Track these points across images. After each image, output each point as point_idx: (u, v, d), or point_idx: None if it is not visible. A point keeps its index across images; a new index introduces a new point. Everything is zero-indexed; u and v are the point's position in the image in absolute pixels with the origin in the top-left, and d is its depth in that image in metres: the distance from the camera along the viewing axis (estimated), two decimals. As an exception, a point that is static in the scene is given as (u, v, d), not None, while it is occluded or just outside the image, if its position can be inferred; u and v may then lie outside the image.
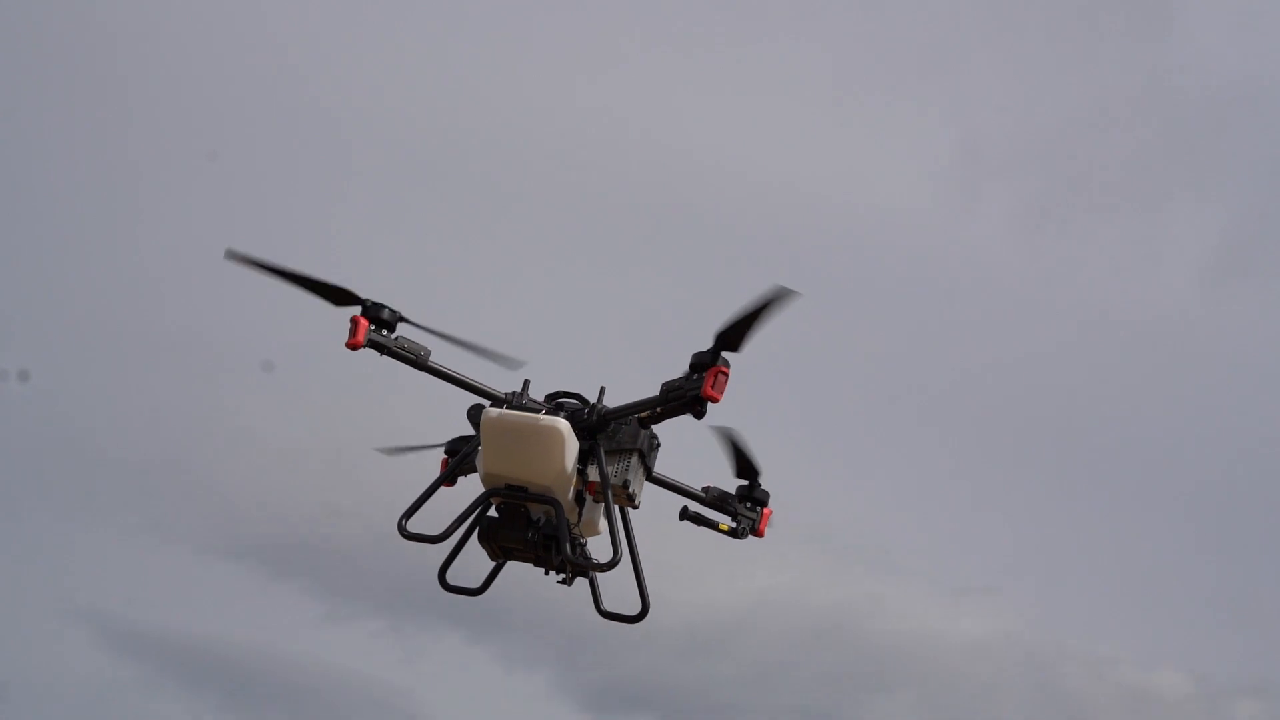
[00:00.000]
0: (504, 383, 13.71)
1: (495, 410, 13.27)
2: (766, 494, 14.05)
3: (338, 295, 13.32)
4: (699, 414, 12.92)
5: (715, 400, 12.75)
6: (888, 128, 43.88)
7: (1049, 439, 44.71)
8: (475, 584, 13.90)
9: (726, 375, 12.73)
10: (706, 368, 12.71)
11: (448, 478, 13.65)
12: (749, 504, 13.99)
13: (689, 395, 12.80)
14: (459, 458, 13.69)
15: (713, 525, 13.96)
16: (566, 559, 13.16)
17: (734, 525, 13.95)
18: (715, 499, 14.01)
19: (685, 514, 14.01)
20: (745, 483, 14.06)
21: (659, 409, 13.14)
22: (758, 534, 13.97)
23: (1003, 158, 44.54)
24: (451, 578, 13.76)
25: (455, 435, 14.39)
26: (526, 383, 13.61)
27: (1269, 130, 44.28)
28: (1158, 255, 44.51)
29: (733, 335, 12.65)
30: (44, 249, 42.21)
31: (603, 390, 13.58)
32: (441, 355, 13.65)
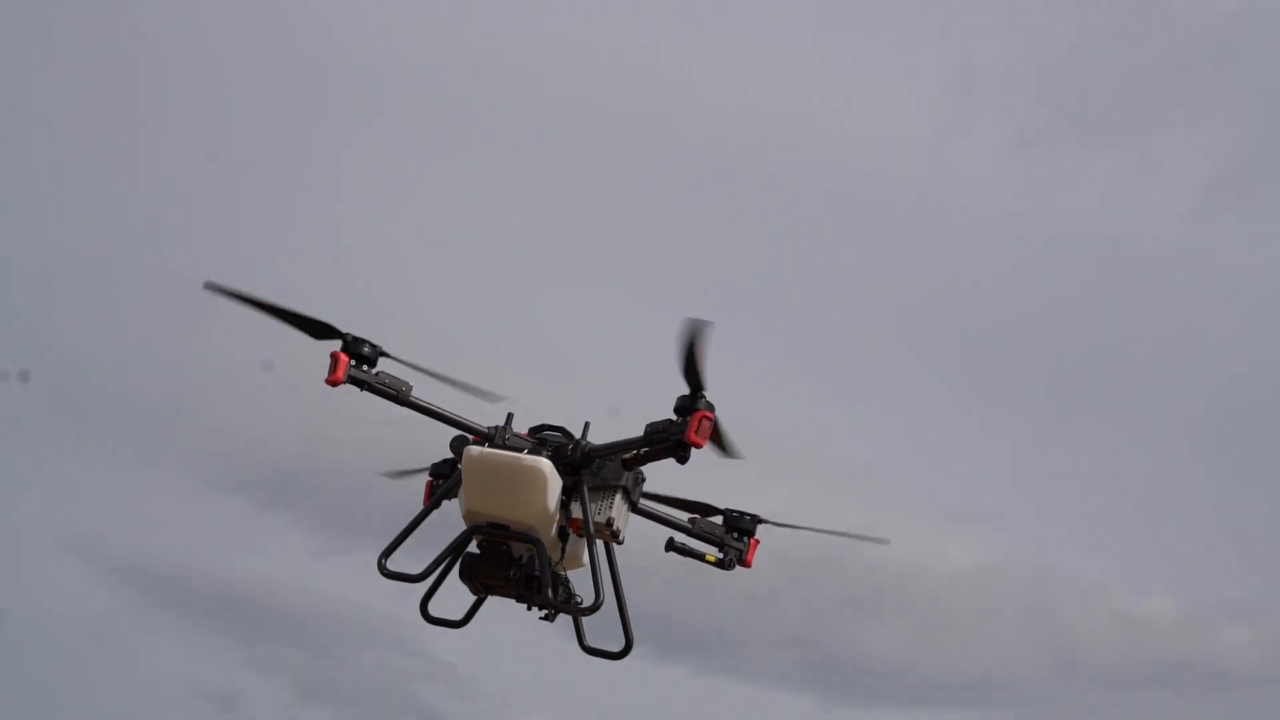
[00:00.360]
0: (487, 416, 13.54)
1: (477, 449, 13.03)
2: (755, 524, 13.87)
3: (318, 329, 13.12)
4: (683, 459, 12.70)
5: (699, 446, 12.54)
6: (883, 54, 43.30)
7: (1042, 366, 44.60)
8: (457, 614, 13.84)
9: (711, 420, 12.50)
10: (689, 411, 12.51)
11: (428, 513, 13.44)
12: (736, 534, 13.81)
13: (673, 440, 12.59)
14: (439, 494, 13.48)
15: (699, 556, 13.79)
16: (548, 603, 13.02)
17: (721, 556, 13.79)
18: (702, 531, 13.83)
19: (671, 545, 13.83)
20: (729, 513, 13.91)
21: (642, 451, 12.93)
22: (745, 564, 13.82)
23: (997, 84, 43.99)
24: (433, 609, 13.68)
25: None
26: (510, 416, 13.38)
27: (1264, 60, 43.72)
28: (1151, 182, 44.14)
29: (689, 377, 12.44)
30: (41, 184, 41.82)
31: (587, 425, 13.36)
32: (424, 390, 13.46)
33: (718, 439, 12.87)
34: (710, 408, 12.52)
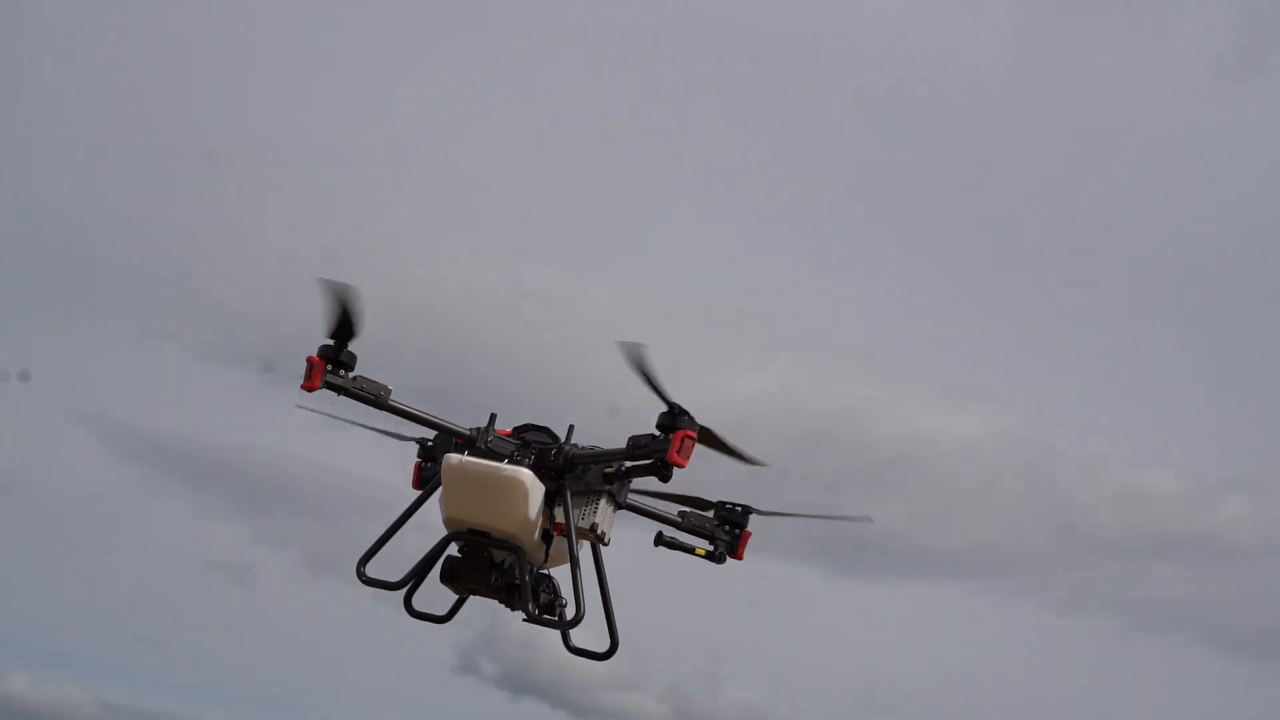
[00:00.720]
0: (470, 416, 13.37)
1: (456, 457, 12.77)
2: (746, 515, 13.69)
3: (344, 333, 12.61)
4: (664, 478, 12.48)
5: (681, 466, 12.31)
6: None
7: (1045, 242, 44.15)
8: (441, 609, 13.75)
9: (694, 440, 12.26)
10: (672, 429, 12.27)
11: (406, 519, 13.24)
12: (727, 527, 13.64)
13: (655, 458, 12.37)
14: (418, 499, 13.25)
15: (689, 550, 13.62)
16: (528, 615, 12.89)
17: (711, 549, 13.62)
18: (692, 524, 13.67)
19: (660, 540, 13.63)
20: (719, 505, 13.73)
21: (624, 466, 12.73)
22: (736, 557, 13.68)
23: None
24: (418, 603, 13.57)
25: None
26: (493, 417, 13.15)
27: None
28: (1163, 58, 43.23)
29: (710, 442, 12.37)
30: (41, 50, 41.04)
31: (571, 428, 13.12)
32: (402, 393, 13.24)
33: (726, 448, 12.58)
34: (693, 426, 12.29)
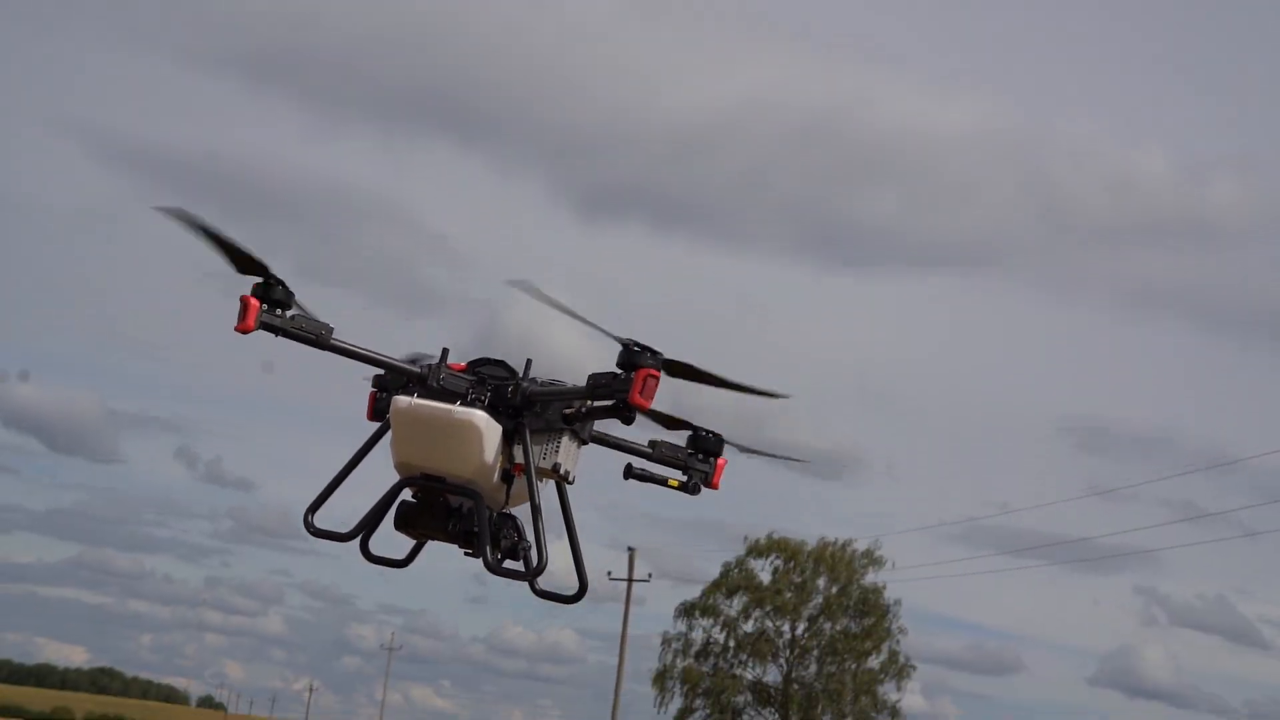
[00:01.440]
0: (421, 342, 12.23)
1: (406, 399, 11.84)
2: (720, 443, 12.62)
3: (247, 264, 11.76)
4: (627, 420, 11.64)
5: (644, 409, 11.47)
6: None
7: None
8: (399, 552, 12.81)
9: (657, 379, 11.36)
10: (634, 367, 11.33)
11: (355, 465, 12.22)
12: (700, 455, 12.60)
13: (616, 399, 11.48)
14: (366, 444, 12.21)
15: (661, 481, 12.62)
16: (489, 566, 12.01)
17: (684, 480, 12.60)
18: (664, 455, 12.62)
19: (630, 472, 12.63)
20: (692, 433, 12.64)
21: (583, 407, 11.86)
22: (712, 486, 12.67)
23: None
24: (374, 547, 12.62)
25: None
26: (445, 351, 12.14)
27: None
28: None
29: (681, 372, 11.42)
30: None
31: (529, 363, 12.10)
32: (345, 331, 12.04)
33: (704, 377, 11.64)
34: (658, 365, 11.36)
